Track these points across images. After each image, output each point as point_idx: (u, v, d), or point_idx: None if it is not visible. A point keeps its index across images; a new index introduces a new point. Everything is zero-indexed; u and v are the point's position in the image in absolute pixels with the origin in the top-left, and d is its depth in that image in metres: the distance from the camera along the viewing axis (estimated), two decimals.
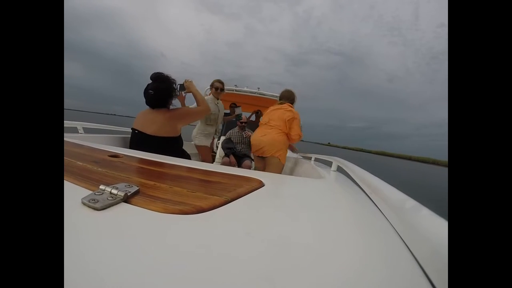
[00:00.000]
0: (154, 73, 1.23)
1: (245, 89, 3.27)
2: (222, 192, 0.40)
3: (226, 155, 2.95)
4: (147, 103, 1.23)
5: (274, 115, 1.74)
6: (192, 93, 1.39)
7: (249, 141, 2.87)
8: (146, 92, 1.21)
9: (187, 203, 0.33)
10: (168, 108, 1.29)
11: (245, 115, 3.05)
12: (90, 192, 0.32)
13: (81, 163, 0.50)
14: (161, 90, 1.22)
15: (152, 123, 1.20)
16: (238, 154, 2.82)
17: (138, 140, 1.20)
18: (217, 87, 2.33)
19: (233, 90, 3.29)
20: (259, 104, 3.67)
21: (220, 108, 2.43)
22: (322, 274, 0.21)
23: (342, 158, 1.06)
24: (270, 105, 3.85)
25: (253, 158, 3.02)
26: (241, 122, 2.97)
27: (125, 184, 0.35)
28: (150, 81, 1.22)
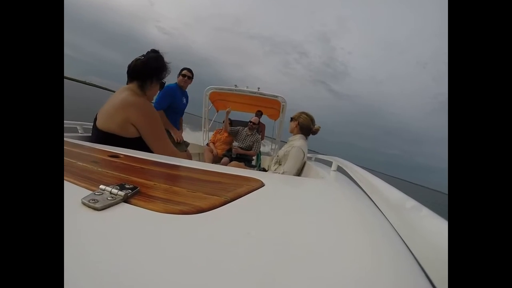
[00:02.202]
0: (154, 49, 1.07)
1: (245, 88, 3.27)
2: (222, 192, 0.40)
3: (225, 155, 2.96)
4: (128, 71, 1.00)
5: None
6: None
7: (250, 146, 2.89)
8: (133, 61, 1.01)
9: (187, 203, 0.33)
10: (148, 96, 1.02)
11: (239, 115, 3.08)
12: (90, 192, 0.32)
13: (81, 163, 0.50)
14: (153, 60, 1.01)
15: (108, 108, 0.92)
16: (232, 155, 2.85)
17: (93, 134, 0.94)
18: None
19: (233, 90, 3.29)
20: (259, 104, 3.67)
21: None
22: (323, 273, 0.21)
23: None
24: (270, 105, 3.85)
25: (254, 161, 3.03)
26: (253, 123, 2.99)
27: (125, 184, 0.35)
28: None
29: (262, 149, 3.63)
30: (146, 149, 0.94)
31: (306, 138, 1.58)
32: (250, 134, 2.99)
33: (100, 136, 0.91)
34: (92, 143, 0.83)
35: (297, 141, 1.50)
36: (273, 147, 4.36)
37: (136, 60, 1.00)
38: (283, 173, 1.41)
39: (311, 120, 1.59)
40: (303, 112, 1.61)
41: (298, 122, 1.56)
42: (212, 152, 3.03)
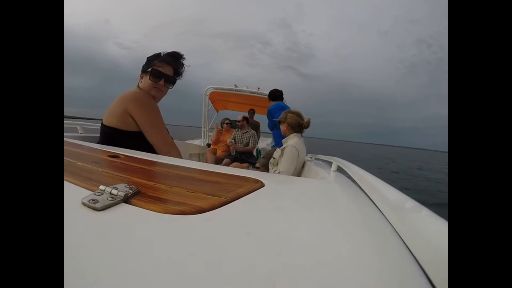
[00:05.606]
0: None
1: (245, 88, 3.28)
2: (222, 193, 0.40)
3: (226, 157, 2.98)
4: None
5: None
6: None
7: (246, 143, 2.91)
8: None
9: (187, 203, 0.33)
10: (142, 89, 1.03)
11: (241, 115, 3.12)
12: (90, 192, 0.32)
13: (81, 163, 0.50)
14: (151, 56, 1.06)
15: (111, 104, 0.97)
16: (235, 157, 2.87)
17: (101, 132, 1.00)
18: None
19: (232, 90, 3.29)
20: (258, 104, 3.68)
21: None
22: (323, 274, 0.21)
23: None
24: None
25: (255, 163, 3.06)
26: (238, 121, 3.03)
27: (125, 184, 0.35)
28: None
29: (259, 144, 3.65)
30: (147, 144, 0.96)
31: (301, 135, 1.57)
32: (245, 132, 3.02)
33: (105, 131, 0.97)
34: (92, 143, 0.83)
35: (291, 140, 1.51)
36: (268, 142, 4.39)
37: None
38: (278, 173, 1.41)
39: (298, 115, 1.57)
40: (288, 111, 1.61)
41: (287, 123, 1.56)
42: (214, 154, 3.04)
